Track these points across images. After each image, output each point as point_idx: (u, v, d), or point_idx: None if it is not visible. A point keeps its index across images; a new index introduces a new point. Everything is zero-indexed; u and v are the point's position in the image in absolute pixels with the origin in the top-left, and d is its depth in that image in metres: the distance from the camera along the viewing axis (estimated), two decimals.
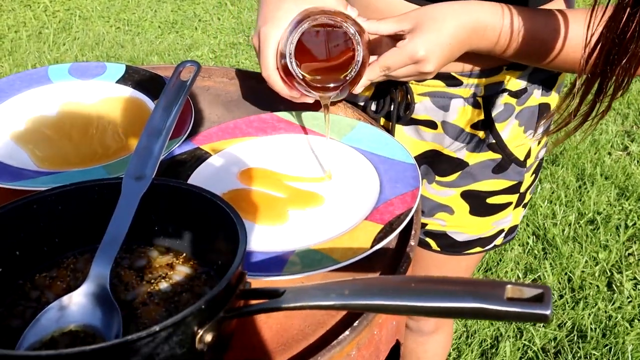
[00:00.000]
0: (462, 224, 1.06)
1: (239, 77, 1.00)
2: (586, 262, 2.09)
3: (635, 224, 2.27)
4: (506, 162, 0.99)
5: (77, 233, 0.61)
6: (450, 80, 0.92)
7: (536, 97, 0.96)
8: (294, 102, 0.83)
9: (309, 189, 0.76)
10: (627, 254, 2.15)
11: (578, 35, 0.79)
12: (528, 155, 1.01)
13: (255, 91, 0.97)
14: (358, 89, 0.81)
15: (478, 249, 1.09)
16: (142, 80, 0.94)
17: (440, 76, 0.92)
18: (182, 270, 0.60)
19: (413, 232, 0.66)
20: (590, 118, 0.72)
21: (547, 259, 2.10)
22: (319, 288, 0.45)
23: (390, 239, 0.64)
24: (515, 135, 0.97)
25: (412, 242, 0.65)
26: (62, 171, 0.77)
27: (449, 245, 1.08)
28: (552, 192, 2.41)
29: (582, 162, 2.57)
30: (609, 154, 2.66)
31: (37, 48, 3.44)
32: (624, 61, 0.66)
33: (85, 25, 3.75)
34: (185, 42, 3.55)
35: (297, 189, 0.76)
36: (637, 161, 2.60)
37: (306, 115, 0.87)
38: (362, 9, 0.92)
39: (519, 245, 2.16)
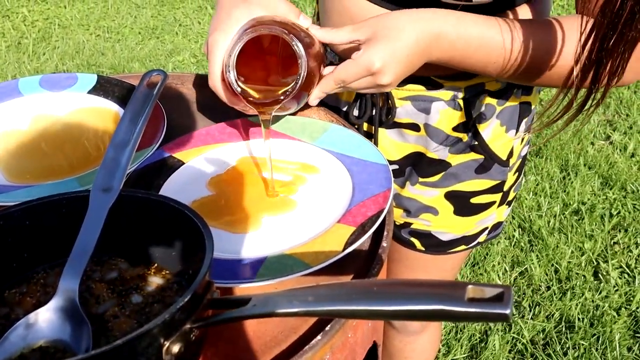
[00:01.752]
0: (446, 224, 1.06)
1: None
2: (572, 252, 2.10)
3: (619, 212, 2.28)
4: (489, 162, 0.99)
5: (46, 247, 0.61)
6: (430, 83, 0.92)
7: (517, 96, 0.96)
8: None
9: (282, 193, 0.75)
10: (612, 242, 2.16)
11: (565, 51, 0.77)
12: (511, 155, 1.01)
13: None
14: (313, 101, 0.79)
15: (462, 247, 1.09)
16: (114, 90, 0.94)
17: (419, 80, 0.92)
18: (153, 281, 0.60)
19: (385, 233, 0.66)
20: (584, 109, 0.71)
21: (533, 251, 2.11)
22: (284, 295, 0.45)
23: (363, 241, 0.64)
24: (497, 135, 0.97)
25: (384, 244, 0.65)
26: (34, 185, 0.77)
27: (433, 244, 1.08)
28: (537, 184, 2.42)
29: (565, 152, 2.59)
30: (592, 143, 2.67)
31: (16, 58, 3.42)
32: (619, 46, 0.65)
33: (65, 34, 3.73)
34: (166, 48, 3.54)
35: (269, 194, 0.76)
36: (620, 150, 2.62)
37: (279, 120, 0.87)
38: (336, 15, 0.91)
39: (505, 238, 2.17)
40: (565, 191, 2.39)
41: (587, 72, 0.68)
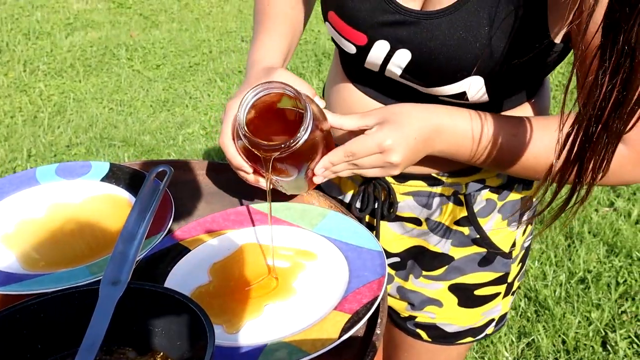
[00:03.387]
0: (451, 316, 1.07)
1: (217, 169, 1.05)
2: (579, 322, 2.10)
3: (626, 280, 2.29)
4: (491, 255, 1.01)
5: (58, 338, 0.64)
6: (431, 180, 0.95)
7: (517, 191, 0.99)
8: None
9: (283, 280, 0.79)
10: (620, 312, 2.16)
11: (546, 145, 0.80)
12: (513, 246, 1.02)
13: (234, 182, 1.02)
14: (318, 169, 0.81)
15: (469, 339, 1.10)
16: (126, 177, 0.99)
17: (421, 177, 0.95)
18: None
19: (379, 320, 0.70)
20: (570, 205, 0.71)
21: (539, 322, 2.11)
22: None
23: (358, 328, 0.68)
24: (498, 229, 0.99)
25: (377, 331, 0.68)
26: (47, 273, 0.81)
27: (439, 336, 1.09)
28: (542, 253, 2.44)
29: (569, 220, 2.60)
30: (596, 210, 2.70)
31: (32, 132, 3.52)
32: (603, 139, 0.65)
33: (79, 107, 3.85)
34: (177, 120, 3.64)
35: (270, 281, 0.79)
36: (624, 217, 2.64)
37: (280, 206, 0.91)
38: (338, 108, 0.97)
39: (512, 308, 2.17)
40: (570, 259, 2.40)
41: (571, 167, 0.69)
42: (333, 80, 1.00)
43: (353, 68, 0.94)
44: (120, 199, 0.96)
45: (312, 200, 0.96)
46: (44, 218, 0.92)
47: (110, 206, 0.95)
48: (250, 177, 0.83)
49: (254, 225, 0.89)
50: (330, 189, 1.07)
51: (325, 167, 0.82)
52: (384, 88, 0.91)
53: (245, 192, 0.99)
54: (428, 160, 0.87)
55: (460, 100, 0.83)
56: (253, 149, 0.75)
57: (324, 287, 0.77)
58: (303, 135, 0.74)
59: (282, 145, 0.74)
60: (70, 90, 4.08)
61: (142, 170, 1.01)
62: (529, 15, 0.74)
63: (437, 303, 1.05)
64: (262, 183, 0.83)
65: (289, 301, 0.75)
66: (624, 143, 0.76)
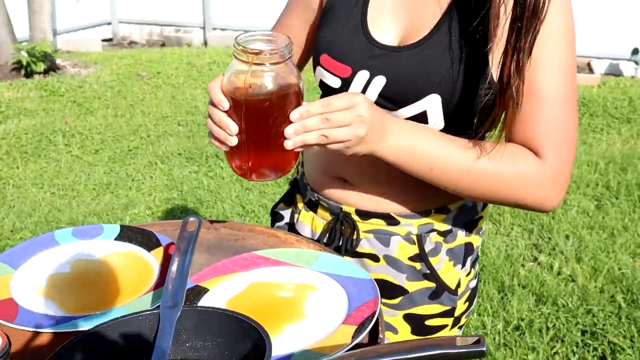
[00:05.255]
0: None
1: (214, 226, 1.21)
2: None
3: (555, 325, 2.53)
4: (440, 290, 1.19)
5: (124, 354, 0.78)
6: (389, 219, 1.16)
7: (461, 237, 1.20)
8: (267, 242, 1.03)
9: (292, 308, 0.95)
10: (552, 353, 2.39)
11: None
12: (459, 285, 1.22)
13: (230, 236, 1.18)
14: (294, 115, 0.93)
15: None
16: (136, 236, 1.14)
17: (381, 216, 1.16)
18: None
19: (380, 327, 0.87)
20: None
21: None
22: None
23: (364, 335, 0.85)
24: (446, 268, 1.19)
25: (381, 335, 0.85)
26: (88, 314, 0.93)
27: None
28: (479, 305, 2.66)
29: (500, 275, 2.87)
30: (522, 265, 2.98)
31: None
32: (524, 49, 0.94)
33: (20, 193, 3.88)
34: (122, 202, 3.73)
35: (282, 309, 0.95)
36: (547, 270, 2.93)
37: (278, 252, 1.08)
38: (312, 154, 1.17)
39: None
40: (505, 310, 2.64)
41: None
42: None
43: None
44: (133, 254, 1.10)
45: (302, 246, 1.13)
46: (71, 272, 1.05)
47: (126, 260, 1.08)
48: (225, 119, 0.95)
49: (257, 268, 1.05)
50: (303, 229, 1.26)
51: (300, 114, 0.93)
52: None
53: (240, 244, 1.16)
54: (387, 200, 1.11)
55: (421, 122, 1.05)
56: (243, 54, 0.91)
57: (329, 309, 0.93)
58: (284, 50, 0.91)
59: (265, 50, 0.90)
60: (9, 177, 4.10)
61: (148, 229, 1.15)
62: (475, 49, 1.01)
63: (393, 330, 1.22)
64: (232, 127, 0.95)
65: (303, 322, 0.91)
66: (545, 162, 1.02)
